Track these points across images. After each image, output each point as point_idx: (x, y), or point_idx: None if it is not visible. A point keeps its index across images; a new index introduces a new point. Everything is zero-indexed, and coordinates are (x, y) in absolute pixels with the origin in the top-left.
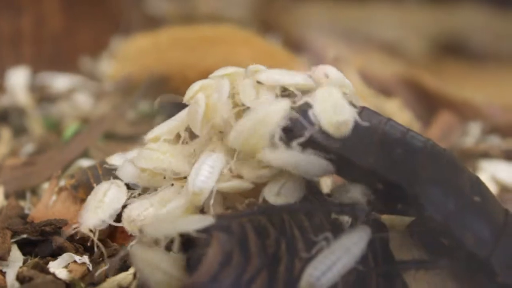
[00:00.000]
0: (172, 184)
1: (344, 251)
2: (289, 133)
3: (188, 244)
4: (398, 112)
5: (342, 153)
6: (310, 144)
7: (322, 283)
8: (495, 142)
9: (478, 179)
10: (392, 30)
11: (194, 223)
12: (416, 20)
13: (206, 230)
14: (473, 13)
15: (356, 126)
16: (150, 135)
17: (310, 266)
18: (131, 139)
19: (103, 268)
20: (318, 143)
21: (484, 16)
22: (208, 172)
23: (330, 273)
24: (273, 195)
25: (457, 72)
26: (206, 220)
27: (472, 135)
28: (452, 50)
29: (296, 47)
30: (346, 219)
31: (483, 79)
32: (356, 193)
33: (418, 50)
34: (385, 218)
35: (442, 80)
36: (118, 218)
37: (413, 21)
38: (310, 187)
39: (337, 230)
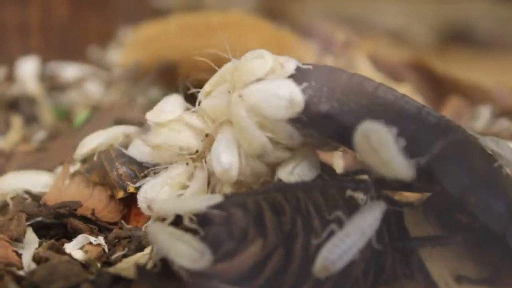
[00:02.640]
0: (187, 164)
1: (360, 234)
2: (305, 108)
3: (203, 222)
4: None
5: (356, 126)
6: (326, 118)
7: (337, 267)
8: (505, 125)
9: (491, 155)
10: (397, 18)
11: (203, 202)
12: (421, 8)
13: (222, 207)
14: (478, 1)
15: (373, 101)
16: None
17: (325, 249)
18: (142, 125)
19: (120, 252)
20: (334, 117)
21: (489, 4)
22: (228, 148)
23: (346, 257)
24: (286, 174)
25: (463, 60)
26: (215, 199)
27: (482, 118)
28: (458, 38)
29: (304, 33)
30: (361, 196)
31: (489, 67)
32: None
33: (423, 38)
34: (400, 195)
35: (449, 68)
36: (130, 200)
37: (418, 9)
38: (324, 167)
39: (352, 207)
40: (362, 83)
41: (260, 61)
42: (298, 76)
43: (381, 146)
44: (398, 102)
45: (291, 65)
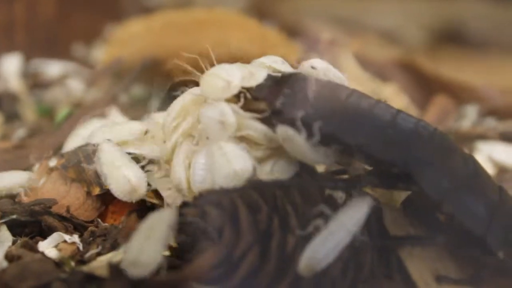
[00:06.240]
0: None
1: (346, 232)
2: (279, 114)
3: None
4: (395, 97)
5: (331, 133)
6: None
7: (322, 265)
8: (491, 124)
9: (471, 157)
10: (390, 18)
11: None
12: (415, 8)
13: (196, 205)
14: (471, 1)
15: (345, 107)
16: None
17: (311, 248)
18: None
19: (94, 250)
20: (308, 123)
21: (483, 4)
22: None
23: (331, 255)
24: (264, 172)
25: (454, 60)
26: None
27: (468, 118)
28: (450, 38)
29: (291, 32)
30: (340, 194)
31: (481, 67)
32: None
33: (416, 38)
34: (380, 194)
35: (440, 67)
36: (107, 198)
37: (411, 9)
38: (304, 166)
39: (331, 206)
40: (335, 90)
41: (223, 84)
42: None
43: (294, 147)
44: (372, 108)
45: (261, 74)
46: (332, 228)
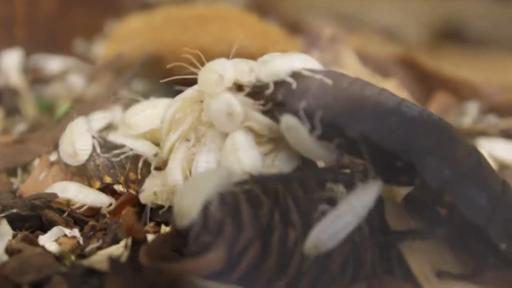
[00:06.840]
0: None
1: (354, 215)
2: (282, 106)
3: None
4: (395, 93)
5: (334, 122)
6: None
7: (328, 246)
8: (492, 121)
9: (474, 148)
10: (390, 16)
11: None
12: (414, 6)
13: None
14: None
15: (348, 96)
16: None
17: (318, 228)
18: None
19: (95, 244)
20: (311, 115)
21: (482, 2)
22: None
23: (337, 237)
24: (267, 168)
25: (455, 58)
26: None
27: (469, 114)
28: (450, 35)
29: (292, 29)
30: (341, 188)
31: (480, 64)
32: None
33: (416, 36)
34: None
35: (439, 65)
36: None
37: (411, 7)
38: (305, 158)
39: (333, 200)
40: (337, 79)
41: (216, 77)
42: None
43: (296, 138)
44: (375, 96)
45: (260, 70)
46: (341, 210)
